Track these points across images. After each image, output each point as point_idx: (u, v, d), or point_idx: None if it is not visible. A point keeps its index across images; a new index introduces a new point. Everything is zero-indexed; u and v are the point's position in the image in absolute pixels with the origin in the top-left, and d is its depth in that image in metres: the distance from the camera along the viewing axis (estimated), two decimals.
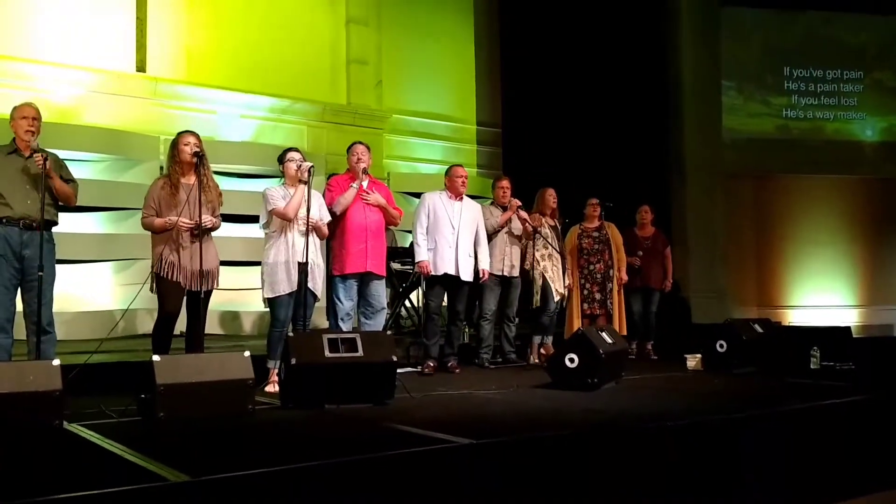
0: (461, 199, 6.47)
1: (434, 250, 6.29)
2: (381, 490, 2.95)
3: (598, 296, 7.37)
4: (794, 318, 11.41)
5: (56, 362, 3.74)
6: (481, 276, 6.46)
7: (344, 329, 5.56)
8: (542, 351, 7.02)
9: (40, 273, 4.48)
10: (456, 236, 6.31)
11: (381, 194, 5.84)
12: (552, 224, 7.16)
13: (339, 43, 10.27)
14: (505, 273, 6.72)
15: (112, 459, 3.14)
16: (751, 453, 4.00)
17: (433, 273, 6.27)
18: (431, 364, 6.26)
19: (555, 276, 6.97)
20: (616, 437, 3.77)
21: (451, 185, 6.48)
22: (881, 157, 11.84)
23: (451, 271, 6.26)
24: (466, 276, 6.33)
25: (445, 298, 6.52)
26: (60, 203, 4.83)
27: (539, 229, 6.87)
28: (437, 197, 6.46)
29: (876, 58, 11.93)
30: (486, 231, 6.68)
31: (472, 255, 6.41)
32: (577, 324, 7.20)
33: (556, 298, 6.97)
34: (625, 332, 7.40)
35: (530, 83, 10.53)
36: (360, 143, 5.92)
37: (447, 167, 6.74)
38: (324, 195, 5.74)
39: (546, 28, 10.49)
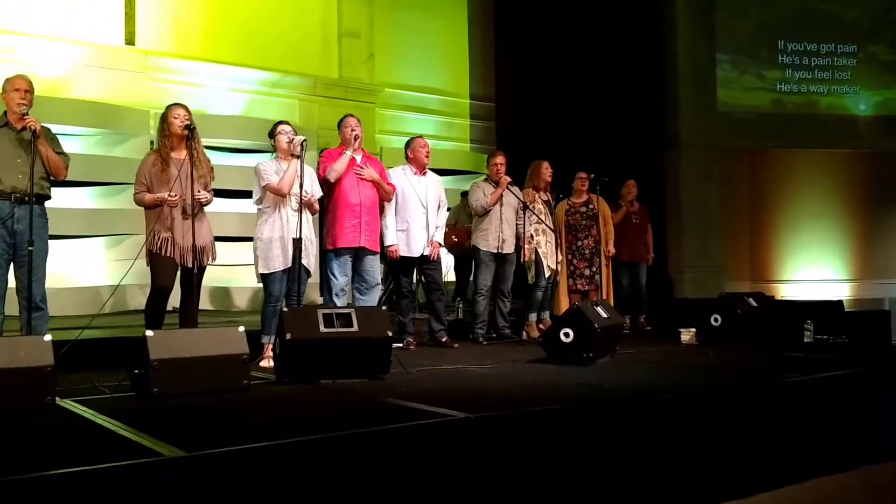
0: (425, 173, 6.27)
1: (406, 232, 6.11)
2: (378, 464, 2.94)
3: (586, 272, 7.30)
4: (787, 292, 11.44)
5: (48, 338, 3.70)
6: (431, 249, 6.19)
7: (338, 304, 5.54)
8: (542, 326, 7.00)
9: (30, 248, 4.41)
10: (426, 215, 6.15)
11: (374, 169, 5.79)
12: (545, 199, 7.10)
13: (330, 16, 10.15)
14: (499, 249, 6.67)
15: (106, 435, 3.11)
16: (747, 427, 4.00)
17: (408, 255, 6.13)
18: (411, 339, 6.20)
19: (548, 251, 6.94)
20: (612, 411, 3.76)
21: (416, 157, 6.22)
22: (875, 131, 11.81)
23: (427, 252, 6.17)
24: (441, 251, 6.26)
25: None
26: (51, 176, 4.77)
27: (531, 205, 6.82)
28: (401, 174, 6.19)
29: (870, 31, 11.86)
30: (478, 210, 6.63)
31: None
32: (564, 300, 7.18)
33: (547, 274, 6.94)
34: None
35: (524, 57, 10.42)
36: (352, 115, 5.87)
37: (406, 140, 6.46)
38: (317, 170, 5.69)
39: (540, 1, 10.37)
